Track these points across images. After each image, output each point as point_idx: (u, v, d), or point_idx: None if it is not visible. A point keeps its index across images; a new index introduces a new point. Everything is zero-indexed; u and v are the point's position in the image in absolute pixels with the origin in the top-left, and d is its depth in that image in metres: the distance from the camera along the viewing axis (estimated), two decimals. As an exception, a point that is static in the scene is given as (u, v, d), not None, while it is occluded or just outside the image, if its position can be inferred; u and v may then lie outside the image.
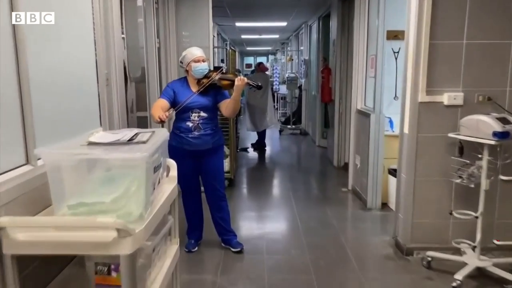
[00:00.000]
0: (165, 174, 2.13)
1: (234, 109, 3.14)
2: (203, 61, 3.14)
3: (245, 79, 3.08)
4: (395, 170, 4.35)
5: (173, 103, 3.09)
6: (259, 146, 7.85)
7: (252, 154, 7.59)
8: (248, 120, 7.66)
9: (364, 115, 4.57)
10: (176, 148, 3.16)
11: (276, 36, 13.15)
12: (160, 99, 3.12)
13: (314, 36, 8.49)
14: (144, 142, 1.78)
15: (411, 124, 3.16)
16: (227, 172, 5.15)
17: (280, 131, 9.66)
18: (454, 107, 3.09)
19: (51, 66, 2.03)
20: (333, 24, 6.44)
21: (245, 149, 7.70)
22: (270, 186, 5.50)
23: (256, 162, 7.10)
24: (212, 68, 3.46)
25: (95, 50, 2.61)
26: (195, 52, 3.14)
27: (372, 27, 4.65)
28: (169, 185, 2.20)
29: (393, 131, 4.59)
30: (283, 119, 11.45)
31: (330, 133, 6.67)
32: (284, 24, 9.80)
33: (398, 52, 4.71)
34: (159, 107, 2.99)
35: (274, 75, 15.40)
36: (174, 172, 2.30)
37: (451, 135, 3.02)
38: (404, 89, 3.32)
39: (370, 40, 4.69)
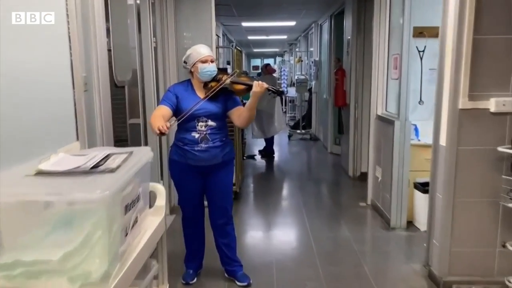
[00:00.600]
0: (147, 207, 1.65)
1: (249, 119, 2.65)
2: (212, 61, 2.65)
3: (265, 85, 2.57)
4: (422, 185, 3.84)
5: (176, 111, 2.62)
6: (267, 153, 7.36)
7: (260, 161, 7.10)
8: (255, 126, 7.17)
9: (386, 122, 4.06)
10: (179, 163, 2.70)
11: (284, 36, 12.67)
12: (160, 106, 2.63)
13: (325, 35, 8.00)
14: (112, 171, 1.30)
15: (449, 135, 2.65)
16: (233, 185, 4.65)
17: (289, 136, 9.16)
18: (503, 115, 2.58)
19: (10, 70, 1.57)
20: (347, 22, 5.94)
21: (252, 157, 7.21)
22: (279, 200, 5.00)
23: (263, 171, 6.61)
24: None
25: (70, 50, 2.15)
26: (202, 50, 2.65)
27: (394, 23, 4.15)
28: (155, 218, 1.73)
29: (419, 140, 4.07)
30: (292, 123, 10.95)
31: (344, 139, 6.16)
32: (292, 23, 9.31)
33: (423, 51, 4.20)
34: (160, 116, 2.51)
35: (282, 77, 14.93)
36: (161, 200, 1.82)
37: (500, 149, 2.50)
38: (439, 93, 2.81)
39: (392, 38, 4.18)
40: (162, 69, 4.04)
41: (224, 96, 2.66)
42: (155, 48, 3.97)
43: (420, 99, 4.26)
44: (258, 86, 2.54)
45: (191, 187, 2.76)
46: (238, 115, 2.67)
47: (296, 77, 9.81)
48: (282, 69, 15.31)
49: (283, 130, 7.55)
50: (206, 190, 2.81)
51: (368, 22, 5.31)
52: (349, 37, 5.79)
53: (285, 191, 5.35)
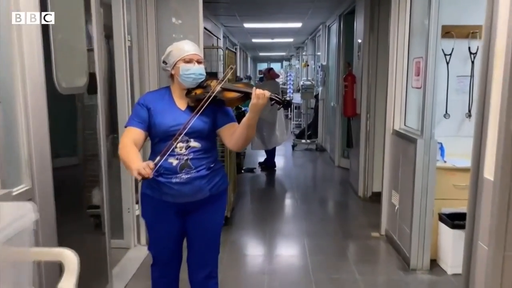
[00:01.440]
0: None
1: (246, 140, 1.98)
2: (199, 62, 2.01)
3: (267, 93, 1.90)
4: (449, 217, 3.16)
5: (149, 130, 2.00)
6: (268, 166, 6.69)
7: (259, 175, 6.43)
8: (256, 137, 6.51)
9: (405, 139, 3.38)
10: (152, 199, 2.06)
11: (290, 39, 12.02)
12: (128, 128, 1.99)
13: (334, 38, 7.34)
14: None
15: (500, 167, 1.97)
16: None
17: (293, 146, 8.47)
18: None
19: None
20: (359, 22, 5.28)
21: (251, 170, 6.54)
22: (278, 226, 4.31)
23: (262, 187, 5.93)
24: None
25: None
26: (186, 47, 2.01)
27: (416, 22, 3.49)
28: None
29: (445, 161, 3.38)
30: (297, 131, 10.27)
31: (353, 154, 5.48)
32: (298, 25, 8.66)
33: (450, 54, 3.52)
34: (131, 145, 1.90)
35: (288, 83, 14.29)
36: (69, 279, 1.17)
37: None
38: (481, 109, 2.13)
39: (413, 39, 3.52)
40: (138, 74, 3.41)
41: (213, 107, 1.99)
42: (130, 48, 3.34)
43: (446, 111, 3.57)
44: (259, 96, 1.87)
45: (166, 231, 2.10)
46: (231, 134, 2.00)
47: (301, 83, 9.14)
48: (288, 74, 14.65)
49: (286, 141, 6.87)
50: (188, 235, 2.15)
51: (383, 21, 4.65)
52: (360, 39, 5.13)
53: (285, 215, 4.67)
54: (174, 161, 1.97)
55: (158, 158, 1.85)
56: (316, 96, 8.86)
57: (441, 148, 3.40)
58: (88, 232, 2.61)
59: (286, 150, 8.20)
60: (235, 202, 4.66)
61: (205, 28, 6.48)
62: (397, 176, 3.55)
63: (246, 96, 1.93)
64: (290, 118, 12.26)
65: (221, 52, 4.41)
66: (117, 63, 3.26)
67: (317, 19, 8.01)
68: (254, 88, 1.92)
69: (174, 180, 1.97)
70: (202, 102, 1.93)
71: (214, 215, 2.12)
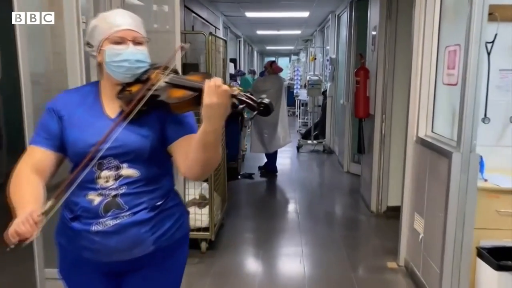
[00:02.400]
0: None
1: (205, 165, 1.27)
2: (137, 42, 1.31)
3: (231, 90, 1.15)
4: (492, 253, 2.42)
5: (62, 148, 1.31)
6: (268, 170, 5.98)
7: (258, 181, 5.71)
8: (255, 138, 5.81)
9: (434, 150, 2.65)
10: (68, 252, 1.37)
11: (298, 32, 11.25)
12: (30, 147, 1.32)
13: (344, 28, 6.58)
14: None
15: None
16: (204, 230, 3.30)
17: (298, 148, 7.72)
18: None
19: None
20: (373, 8, 4.54)
21: (250, 175, 5.82)
22: (274, 252, 3.58)
23: (259, 197, 5.21)
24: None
25: None
26: (115, 20, 1.30)
27: (448, 2, 2.74)
28: None
29: (485, 180, 2.63)
30: (303, 130, 9.54)
31: (365, 161, 4.74)
32: (305, 14, 7.90)
33: (492, 42, 2.75)
34: (28, 176, 1.26)
35: (295, 78, 13.56)
36: None
37: None
38: None
39: (445, 23, 2.77)
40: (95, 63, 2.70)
41: (159, 113, 1.30)
42: (84, 31, 2.65)
43: (485, 114, 2.80)
44: (213, 90, 1.13)
45: None
46: (186, 153, 1.29)
47: (308, 78, 8.37)
48: (296, 69, 13.90)
49: (289, 143, 6.14)
50: None
51: (403, 3, 3.92)
52: (375, 28, 4.37)
53: (283, 235, 3.92)
54: (95, 198, 1.28)
55: (51, 200, 1.15)
56: (324, 93, 8.11)
57: (481, 163, 2.65)
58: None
59: (290, 152, 7.47)
60: (224, 217, 3.97)
61: (198, 15, 5.79)
62: (422, 197, 2.82)
63: (201, 96, 1.21)
64: (297, 116, 11.52)
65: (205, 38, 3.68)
66: (69, 49, 2.57)
67: (326, 7, 7.25)
68: (210, 77, 1.18)
69: (94, 228, 1.27)
70: (132, 105, 1.23)
71: (163, 281, 1.41)
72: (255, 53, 17.94)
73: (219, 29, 7.78)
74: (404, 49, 4.02)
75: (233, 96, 1.14)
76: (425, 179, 2.79)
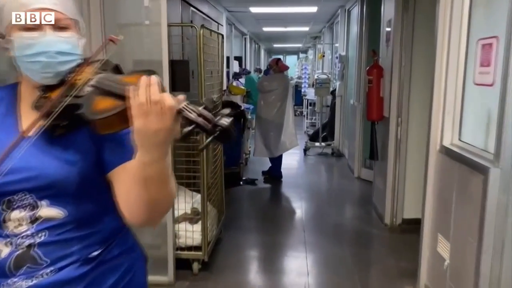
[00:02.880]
0: None
1: (152, 204, 0.87)
2: (60, 27, 0.91)
3: (174, 103, 0.76)
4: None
5: None
6: (273, 176, 5.58)
7: (261, 188, 5.32)
8: (259, 141, 5.42)
9: (464, 163, 2.22)
10: None
11: (306, 28, 10.81)
12: None
13: (354, 23, 6.15)
14: None
15: None
16: (197, 249, 2.91)
17: (305, 150, 7.29)
18: None
19: None
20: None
21: (252, 181, 5.43)
22: (276, 273, 3.20)
23: (262, 206, 4.80)
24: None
25: None
26: None
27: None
28: None
29: (525, 198, 2.21)
30: (310, 131, 9.11)
31: (379, 168, 4.32)
32: (313, 9, 7.47)
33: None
34: None
35: (303, 76, 13.14)
36: None
37: None
38: None
39: (476, 12, 2.35)
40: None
41: (90, 130, 0.88)
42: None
43: (522, 120, 2.39)
44: (144, 108, 0.75)
45: None
46: (127, 189, 0.90)
47: (316, 76, 7.94)
48: (304, 67, 13.47)
49: (296, 146, 5.74)
50: None
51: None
52: (389, 19, 3.95)
53: (287, 253, 3.51)
54: (2, 249, 0.90)
55: None
56: (333, 92, 7.68)
57: (520, 178, 2.23)
58: None
59: (296, 155, 7.05)
60: (222, 231, 3.58)
61: (197, 9, 5.40)
62: (447, 216, 2.39)
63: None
64: (305, 116, 11.10)
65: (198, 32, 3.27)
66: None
67: (335, 1, 6.81)
68: (149, 75, 0.79)
69: None
70: (43, 118, 0.84)
71: None
72: (262, 51, 17.53)
73: (222, 26, 7.39)
74: (424, 43, 3.61)
75: (178, 112, 0.75)
76: (451, 196, 2.36)
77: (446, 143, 2.48)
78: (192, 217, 2.90)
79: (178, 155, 2.86)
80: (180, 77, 2.60)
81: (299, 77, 14.35)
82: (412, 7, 3.68)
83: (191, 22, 4.89)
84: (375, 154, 4.16)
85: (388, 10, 4.08)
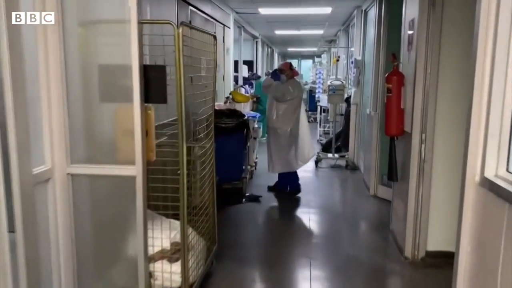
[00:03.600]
0: None
1: None
2: None
3: None
4: None
5: None
6: (292, 190, 5.14)
7: (266, 206, 4.79)
8: (276, 156, 4.95)
9: (518, 206, 1.68)
10: None
11: (320, 31, 10.28)
12: None
13: (372, 25, 5.61)
14: None
15: None
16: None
17: (317, 162, 6.71)
18: None
19: None
20: (410, -4, 3.57)
21: (256, 198, 4.91)
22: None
23: (265, 231, 4.26)
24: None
25: None
26: None
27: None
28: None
29: None
30: (323, 140, 8.56)
31: (398, 190, 3.76)
32: (328, 10, 6.95)
33: None
34: None
35: (318, 81, 12.58)
36: None
37: None
38: None
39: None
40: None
41: None
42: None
43: None
44: None
45: None
46: None
47: (329, 82, 7.39)
48: (318, 72, 12.91)
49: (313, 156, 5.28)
50: None
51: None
52: (412, 19, 3.41)
53: None
54: None
55: None
56: (348, 100, 7.13)
57: None
58: None
59: (306, 166, 6.44)
60: (214, 263, 3.08)
61: (198, 8, 4.93)
62: (492, 267, 1.84)
63: None
64: (318, 122, 10.54)
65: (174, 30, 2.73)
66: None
67: (351, 2, 6.28)
68: None
69: None
70: None
71: None
72: (275, 55, 17.05)
73: (229, 28, 6.93)
74: (454, 46, 3.09)
75: None
76: (497, 242, 1.81)
77: (489, 174, 1.93)
78: (171, 256, 2.40)
79: (153, 171, 2.35)
80: (155, 86, 2.12)
81: (314, 82, 13.81)
82: (440, 4, 3.14)
83: (190, 22, 4.42)
84: (393, 174, 3.60)
85: (410, 9, 3.54)
